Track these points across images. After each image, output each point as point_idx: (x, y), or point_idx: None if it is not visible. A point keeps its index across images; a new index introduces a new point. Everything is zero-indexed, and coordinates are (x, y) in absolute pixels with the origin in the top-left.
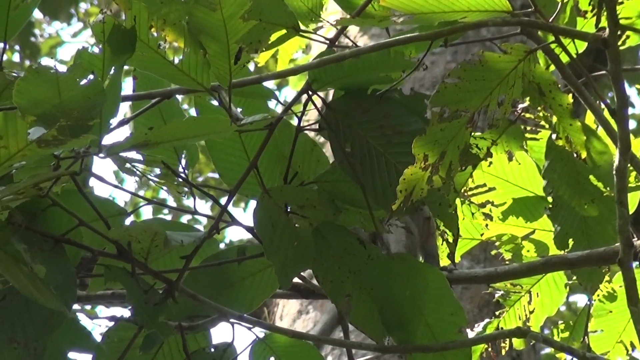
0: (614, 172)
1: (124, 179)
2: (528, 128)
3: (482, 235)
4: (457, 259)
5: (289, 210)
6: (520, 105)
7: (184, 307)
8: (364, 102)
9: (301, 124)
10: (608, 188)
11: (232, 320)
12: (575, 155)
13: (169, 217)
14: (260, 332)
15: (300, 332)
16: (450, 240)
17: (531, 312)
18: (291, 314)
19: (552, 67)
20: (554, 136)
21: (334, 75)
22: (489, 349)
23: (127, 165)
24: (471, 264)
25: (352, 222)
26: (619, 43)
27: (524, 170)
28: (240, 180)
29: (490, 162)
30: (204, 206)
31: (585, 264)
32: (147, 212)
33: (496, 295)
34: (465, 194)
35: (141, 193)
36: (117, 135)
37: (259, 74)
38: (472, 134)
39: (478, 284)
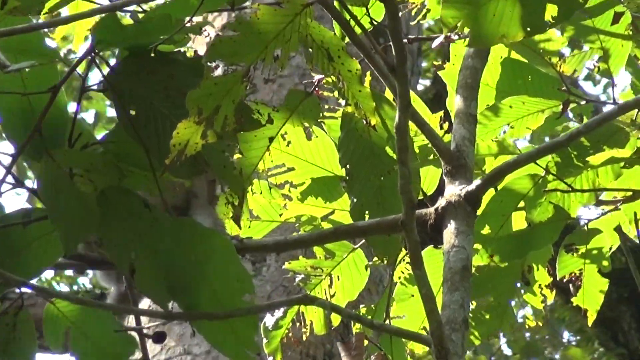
0: (395, 131)
1: None
2: (327, 107)
3: (281, 216)
4: None
5: (73, 173)
6: (317, 77)
7: None
8: (148, 64)
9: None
10: None
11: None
12: (365, 122)
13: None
14: None
15: (85, 299)
16: (236, 203)
17: (332, 296)
18: None
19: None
20: (343, 102)
21: (119, 37)
22: (290, 334)
23: None
24: None
25: (137, 186)
26: (420, 17)
27: (323, 150)
28: (23, 145)
29: (289, 142)
30: None
31: (376, 232)
32: None
33: (297, 279)
34: (265, 174)
35: None
36: None
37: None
38: (256, 101)
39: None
